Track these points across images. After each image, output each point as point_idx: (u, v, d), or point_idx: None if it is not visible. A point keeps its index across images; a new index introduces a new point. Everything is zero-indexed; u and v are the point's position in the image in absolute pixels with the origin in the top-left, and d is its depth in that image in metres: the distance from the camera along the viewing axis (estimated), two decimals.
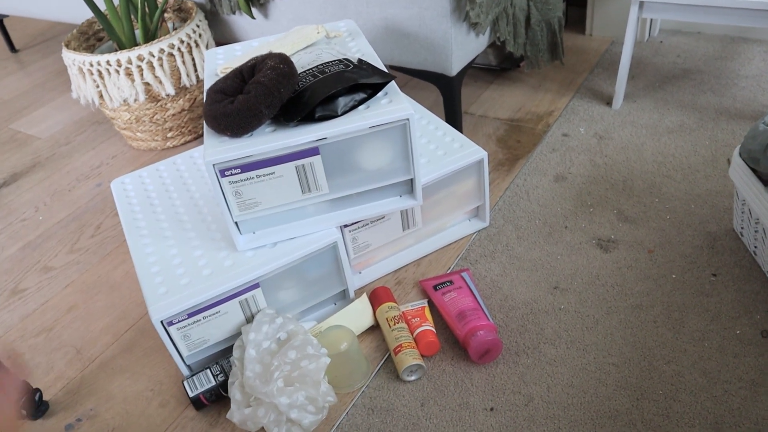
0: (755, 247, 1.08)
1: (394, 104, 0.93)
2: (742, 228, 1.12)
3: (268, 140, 0.90)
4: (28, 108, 2.03)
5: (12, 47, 2.47)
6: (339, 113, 0.92)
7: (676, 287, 1.06)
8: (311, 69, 0.95)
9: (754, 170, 1.02)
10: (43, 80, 2.20)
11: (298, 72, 0.96)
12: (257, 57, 0.96)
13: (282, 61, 0.92)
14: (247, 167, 0.91)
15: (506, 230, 1.23)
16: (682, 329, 1.00)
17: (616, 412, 0.90)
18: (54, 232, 1.44)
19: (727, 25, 1.77)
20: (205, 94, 0.97)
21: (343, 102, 0.92)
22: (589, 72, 1.71)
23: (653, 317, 1.02)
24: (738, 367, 0.93)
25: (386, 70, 0.97)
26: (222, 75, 1.05)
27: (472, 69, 1.80)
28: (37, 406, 1.00)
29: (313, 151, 0.92)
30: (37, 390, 1.01)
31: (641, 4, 1.40)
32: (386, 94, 0.96)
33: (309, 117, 0.91)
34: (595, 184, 1.31)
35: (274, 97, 0.88)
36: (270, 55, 0.94)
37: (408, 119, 0.92)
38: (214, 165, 0.89)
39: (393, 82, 0.97)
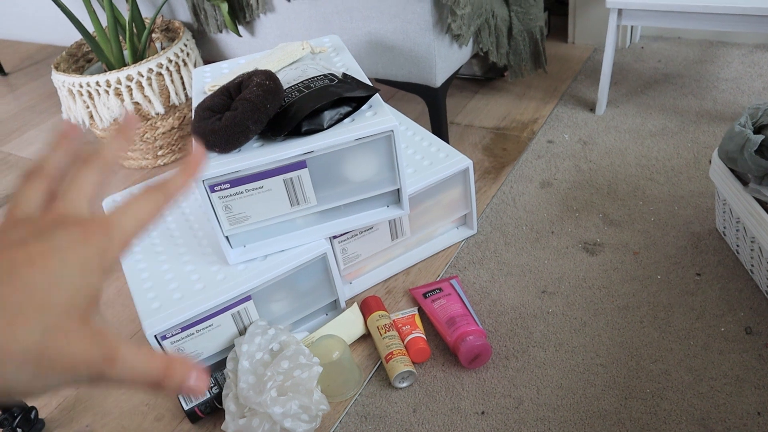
0: (737, 246, 1.10)
1: (379, 116, 0.95)
2: (724, 228, 1.14)
3: (256, 155, 0.91)
4: (18, 130, 2.04)
5: (1, 70, 2.49)
6: (325, 127, 0.94)
7: (661, 287, 1.08)
8: (297, 84, 0.97)
9: (732, 170, 1.04)
10: (33, 103, 2.22)
11: (284, 88, 0.98)
12: (244, 74, 0.98)
13: (268, 77, 0.94)
14: (236, 182, 0.92)
15: (494, 237, 1.25)
16: (668, 328, 1.01)
17: (605, 412, 0.91)
18: None
19: (705, 30, 1.81)
20: (193, 111, 0.99)
21: (328, 116, 0.94)
22: (572, 79, 1.74)
23: (640, 317, 1.04)
24: (723, 363, 0.95)
25: (370, 84, 0.99)
26: (209, 93, 1.07)
27: (457, 79, 1.83)
28: (33, 424, 1.01)
29: (300, 165, 0.94)
30: (33, 408, 1.02)
31: (620, 12, 1.43)
32: (371, 106, 0.98)
33: (296, 131, 0.93)
34: (581, 189, 1.34)
35: (260, 113, 0.90)
36: (256, 72, 0.96)
37: (392, 131, 0.94)
38: (203, 181, 0.90)
39: (377, 94, 1.00)
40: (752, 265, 1.06)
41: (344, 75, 0.99)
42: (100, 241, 0.29)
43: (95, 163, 0.34)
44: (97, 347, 0.28)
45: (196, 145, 0.35)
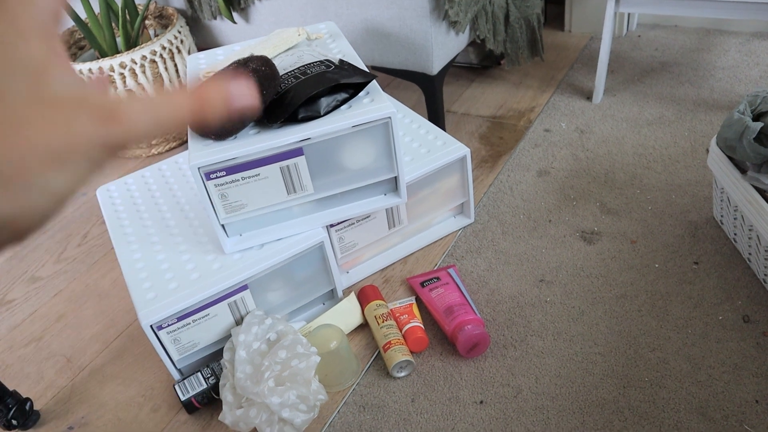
0: (735, 234, 1.10)
1: (376, 103, 0.94)
2: (721, 216, 1.14)
3: (252, 142, 0.90)
4: None
5: None
6: (322, 113, 0.93)
7: (659, 276, 1.08)
8: (293, 71, 0.96)
9: (731, 158, 1.04)
10: None
11: (280, 74, 0.96)
12: (239, 60, 0.97)
13: (264, 63, 0.92)
14: (232, 170, 0.91)
15: (491, 226, 1.24)
16: (666, 317, 1.01)
17: (604, 401, 0.91)
18: (40, 243, 1.44)
19: (702, 17, 1.80)
20: None
21: (325, 102, 0.93)
22: (569, 68, 1.73)
23: (637, 306, 1.04)
24: (721, 352, 0.95)
25: (367, 70, 0.98)
26: (205, 79, 1.05)
27: (453, 68, 1.82)
28: (28, 415, 1.00)
29: (297, 152, 0.93)
30: (28, 400, 1.01)
31: (617, 0, 1.42)
32: (368, 93, 0.97)
33: (292, 118, 0.92)
34: (578, 177, 1.33)
35: None
36: (252, 58, 0.95)
37: (390, 117, 0.93)
38: (199, 168, 0.89)
39: (374, 81, 0.98)
40: (750, 254, 1.05)
41: (341, 61, 0.98)
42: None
43: None
44: (89, 139, 0.23)
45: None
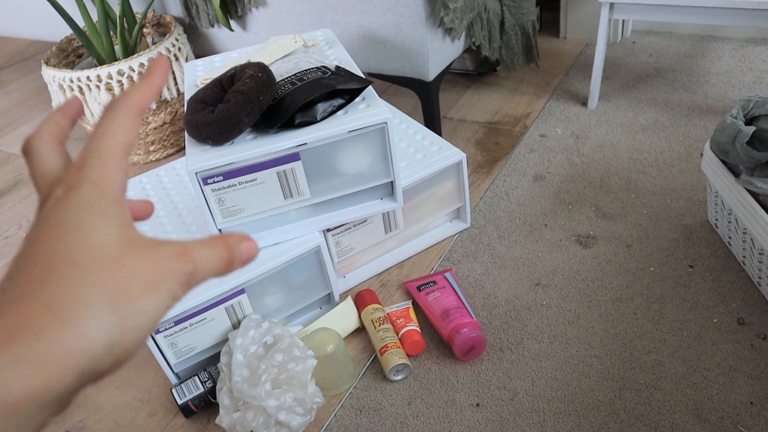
0: (729, 237, 1.10)
1: (372, 108, 0.95)
2: (716, 220, 1.14)
3: (249, 147, 0.91)
4: (8, 127, 2.02)
5: None
6: (318, 119, 0.94)
7: (654, 279, 1.09)
8: (290, 77, 0.97)
9: (724, 162, 1.05)
10: (22, 99, 2.20)
11: (277, 80, 0.97)
12: (236, 67, 0.97)
13: (261, 69, 0.93)
14: (229, 174, 0.92)
15: (487, 230, 1.25)
16: (661, 320, 1.02)
17: (600, 403, 0.91)
18: None
19: (696, 24, 1.82)
20: (185, 104, 0.99)
21: (321, 108, 0.94)
22: (564, 74, 1.75)
23: (633, 309, 1.04)
24: (716, 354, 0.95)
25: (363, 76, 0.99)
26: (202, 86, 1.06)
27: (449, 74, 1.83)
28: None
29: (293, 157, 0.93)
30: None
31: (611, 6, 1.43)
32: (364, 99, 0.98)
33: (289, 123, 0.93)
34: (573, 182, 1.34)
35: (253, 105, 0.90)
36: (249, 65, 0.96)
37: (386, 123, 0.94)
38: (196, 173, 0.90)
39: (370, 87, 0.99)
40: (744, 257, 1.06)
41: (337, 67, 0.99)
42: (85, 177, 0.29)
43: (121, 105, 0.31)
44: (173, 270, 0.28)
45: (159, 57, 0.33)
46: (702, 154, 1.34)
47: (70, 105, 0.34)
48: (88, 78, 1.46)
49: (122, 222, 0.28)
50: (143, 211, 0.36)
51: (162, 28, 1.73)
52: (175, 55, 1.55)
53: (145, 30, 1.75)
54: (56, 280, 0.25)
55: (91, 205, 0.28)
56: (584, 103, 1.60)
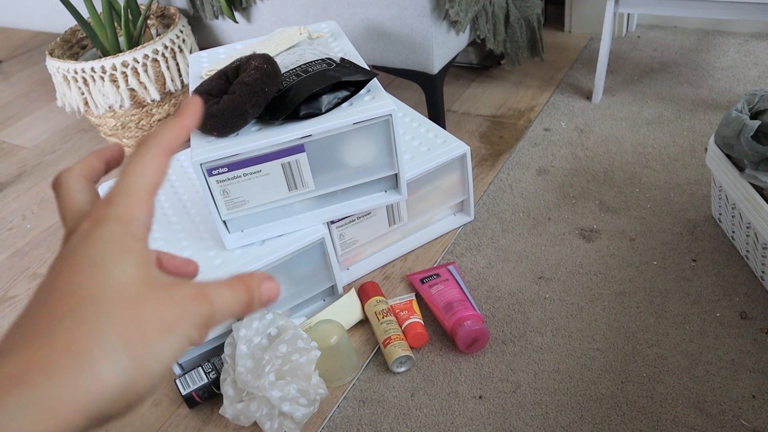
0: (733, 232, 1.10)
1: (377, 101, 0.95)
2: (720, 214, 1.14)
3: (254, 139, 0.91)
4: (12, 118, 2.03)
5: None
6: (323, 111, 0.94)
7: (657, 273, 1.09)
8: (295, 69, 0.97)
9: (729, 156, 1.05)
10: (26, 90, 2.20)
11: (282, 72, 0.97)
12: (241, 58, 0.97)
13: (266, 61, 0.93)
14: (233, 166, 0.92)
15: (491, 223, 1.25)
16: (664, 313, 1.02)
17: (602, 396, 0.92)
18: (42, 240, 1.45)
19: (701, 18, 1.81)
20: (190, 95, 0.99)
21: (326, 100, 0.94)
22: (568, 68, 1.74)
23: (636, 303, 1.04)
24: (718, 348, 0.95)
25: (368, 68, 0.99)
26: (207, 77, 1.06)
27: (453, 68, 1.83)
28: None
29: (298, 149, 0.93)
30: None
31: (617, 0, 1.43)
32: (369, 91, 0.98)
33: (294, 115, 0.93)
34: (577, 176, 1.34)
35: (258, 96, 0.90)
36: (254, 56, 0.96)
37: (391, 115, 0.94)
38: (201, 164, 0.90)
39: (375, 79, 0.99)
40: (747, 251, 1.06)
41: (342, 59, 0.99)
42: (112, 213, 0.29)
43: (153, 144, 0.32)
44: (189, 313, 0.28)
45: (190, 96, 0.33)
46: (706, 149, 1.34)
47: (108, 150, 0.34)
48: (92, 69, 1.46)
49: (143, 260, 0.28)
50: (183, 269, 0.36)
51: (166, 20, 1.73)
52: (179, 46, 1.55)
53: (149, 21, 1.75)
54: (74, 317, 0.25)
55: (114, 241, 0.28)
56: (588, 97, 1.59)
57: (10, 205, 1.59)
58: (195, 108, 0.34)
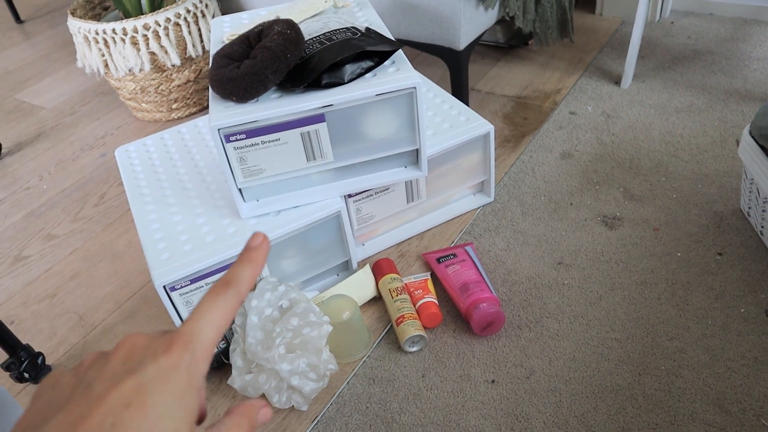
0: (762, 227, 1.07)
1: (402, 72, 0.92)
2: (749, 208, 1.11)
3: (273, 106, 0.89)
4: (33, 78, 2.02)
5: (17, 18, 2.46)
6: (345, 80, 0.91)
7: (681, 265, 1.06)
8: (318, 36, 0.94)
9: (763, 148, 1.01)
10: (48, 51, 2.19)
11: (305, 39, 0.94)
12: (264, 23, 0.95)
13: (289, 26, 0.91)
14: (252, 133, 0.90)
15: (511, 206, 1.22)
16: (686, 307, 0.99)
17: (618, 387, 0.89)
18: (58, 201, 1.44)
19: (740, 5, 1.75)
20: (211, 59, 0.96)
21: (350, 69, 0.91)
22: (598, 51, 1.70)
23: (657, 294, 1.02)
24: (741, 345, 0.93)
25: (393, 39, 0.96)
26: (229, 41, 1.04)
27: (479, 46, 1.78)
28: (40, 369, 1.00)
29: (318, 118, 0.91)
30: (40, 354, 1.01)
31: None
32: (393, 62, 0.95)
33: (315, 83, 0.90)
34: (602, 162, 1.30)
35: (280, 62, 0.87)
36: (277, 21, 0.93)
37: (415, 88, 0.91)
38: (219, 130, 0.88)
39: (400, 51, 0.96)
40: None
41: (367, 29, 0.96)
42: (185, 362, 0.29)
43: (231, 296, 0.32)
44: None
45: (255, 233, 0.34)
46: (738, 141, 1.30)
47: (253, 407, 0.34)
48: (113, 30, 1.44)
49: (189, 417, 0.28)
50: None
51: None
52: (201, 11, 1.52)
53: None
54: None
55: (178, 395, 0.28)
56: (617, 82, 1.55)
57: (28, 165, 1.59)
58: (264, 247, 0.34)
